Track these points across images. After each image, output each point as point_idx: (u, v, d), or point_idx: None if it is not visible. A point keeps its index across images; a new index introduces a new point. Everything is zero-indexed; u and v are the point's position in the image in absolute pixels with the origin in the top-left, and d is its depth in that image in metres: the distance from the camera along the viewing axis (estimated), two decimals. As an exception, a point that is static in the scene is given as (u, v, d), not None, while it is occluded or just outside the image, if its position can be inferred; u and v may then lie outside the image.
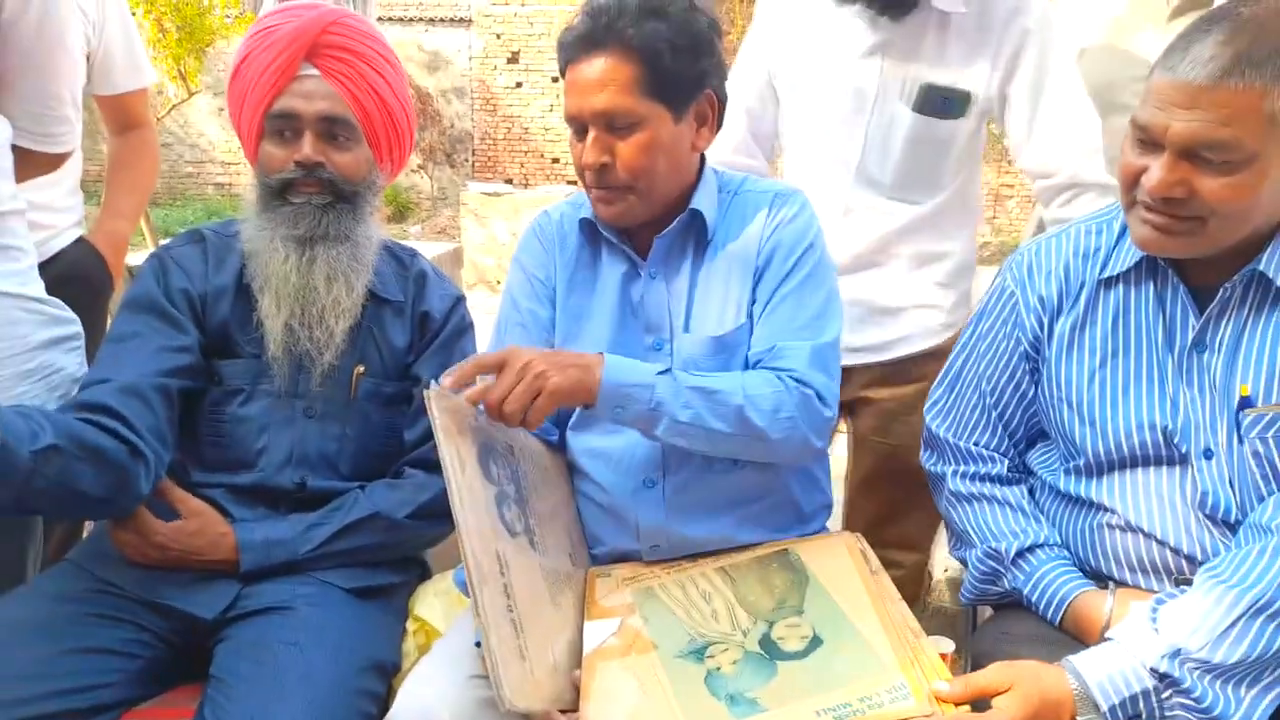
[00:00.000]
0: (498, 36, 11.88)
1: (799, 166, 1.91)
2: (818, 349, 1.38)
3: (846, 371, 1.85)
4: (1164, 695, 1.08)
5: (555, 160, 12.02)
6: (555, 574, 1.33)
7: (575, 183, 11.48)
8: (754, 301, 1.43)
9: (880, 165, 1.80)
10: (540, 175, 12.07)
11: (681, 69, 1.36)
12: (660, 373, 1.31)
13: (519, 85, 11.94)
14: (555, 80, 11.61)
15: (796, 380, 1.34)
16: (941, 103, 1.74)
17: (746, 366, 1.41)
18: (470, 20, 12.17)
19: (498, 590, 1.18)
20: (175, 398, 1.46)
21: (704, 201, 1.44)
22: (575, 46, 1.37)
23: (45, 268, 1.85)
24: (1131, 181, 1.20)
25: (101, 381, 1.41)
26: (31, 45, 1.51)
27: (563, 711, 1.17)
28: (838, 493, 1.89)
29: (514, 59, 11.89)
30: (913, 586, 1.98)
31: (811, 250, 1.43)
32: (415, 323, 1.61)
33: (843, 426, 1.99)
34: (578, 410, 1.46)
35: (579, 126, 1.38)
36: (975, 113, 1.77)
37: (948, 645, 1.24)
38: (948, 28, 1.73)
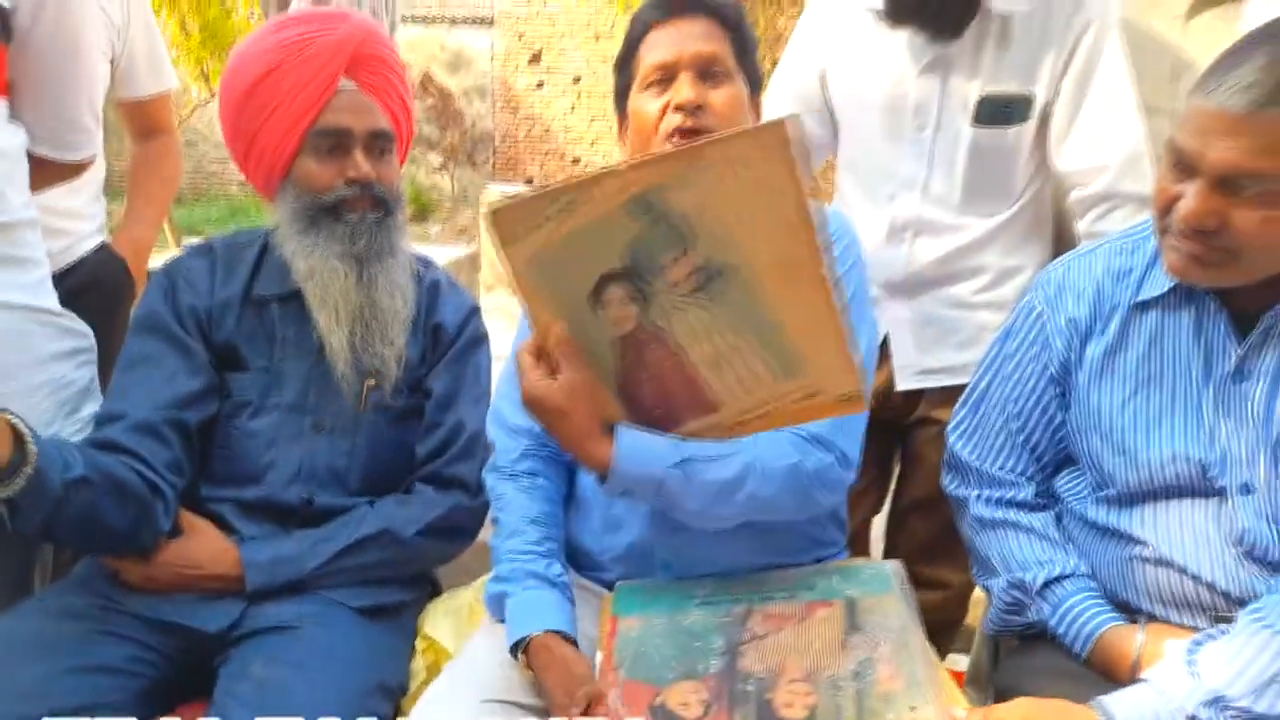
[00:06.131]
0: (520, 36, 11.87)
1: (859, 184, 1.83)
2: None
3: (915, 394, 1.80)
4: (1200, 743, 1.03)
5: (576, 160, 12.00)
6: None
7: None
8: None
9: (947, 182, 1.73)
10: (561, 175, 12.05)
11: (752, 50, 1.39)
12: (674, 465, 1.19)
13: (540, 85, 11.92)
14: (576, 80, 11.60)
15: (818, 442, 1.25)
16: (1001, 111, 1.67)
17: None
18: (493, 20, 12.16)
19: None
20: (192, 427, 1.45)
21: None
22: (666, 7, 1.37)
23: (68, 275, 1.86)
24: (1166, 207, 1.15)
25: (116, 418, 1.41)
26: (47, 51, 1.48)
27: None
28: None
29: (536, 59, 11.87)
30: (958, 609, 1.92)
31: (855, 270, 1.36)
32: (428, 334, 1.58)
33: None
34: None
35: (663, 76, 1.35)
36: (1038, 115, 1.69)
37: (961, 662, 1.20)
38: (1009, 32, 1.65)
